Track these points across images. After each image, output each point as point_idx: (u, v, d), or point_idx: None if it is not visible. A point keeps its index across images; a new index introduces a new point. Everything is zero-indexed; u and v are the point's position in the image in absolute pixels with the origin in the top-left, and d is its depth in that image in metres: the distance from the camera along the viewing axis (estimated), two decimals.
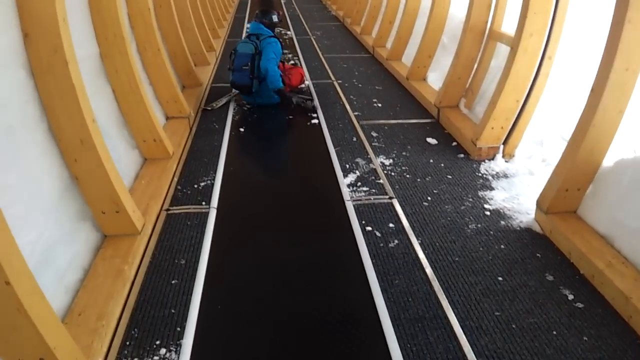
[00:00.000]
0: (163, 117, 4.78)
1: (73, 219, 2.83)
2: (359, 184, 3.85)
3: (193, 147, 4.55)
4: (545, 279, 2.78)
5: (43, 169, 2.71)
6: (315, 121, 5.28)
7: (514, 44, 3.99)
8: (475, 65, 5.07)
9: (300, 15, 12.45)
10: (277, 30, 6.30)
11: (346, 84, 6.54)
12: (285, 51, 8.42)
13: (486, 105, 4.85)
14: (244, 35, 9.95)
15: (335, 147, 4.52)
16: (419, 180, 3.93)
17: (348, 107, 5.63)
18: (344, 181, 3.90)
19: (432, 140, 4.67)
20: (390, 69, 7.15)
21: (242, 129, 5.11)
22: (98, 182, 2.87)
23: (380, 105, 5.72)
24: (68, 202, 2.82)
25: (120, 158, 3.64)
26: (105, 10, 3.63)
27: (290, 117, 5.53)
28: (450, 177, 3.99)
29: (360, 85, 6.52)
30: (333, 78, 6.82)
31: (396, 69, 6.86)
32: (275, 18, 5.76)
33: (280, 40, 5.74)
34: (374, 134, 4.84)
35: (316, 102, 5.76)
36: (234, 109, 5.63)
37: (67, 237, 2.71)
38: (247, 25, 11.39)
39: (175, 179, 3.92)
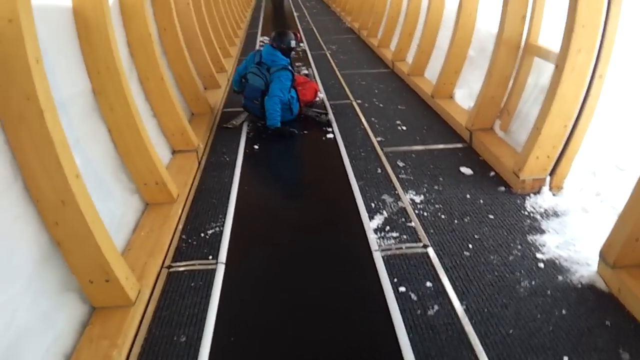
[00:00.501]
0: (169, 151, 4.37)
1: (54, 292, 2.41)
2: (387, 228, 3.37)
3: (201, 186, 4.12)
4: (621, 359, 2.27)
5: (17, 235, 2.30)
6: (330, 135, 5.15)
7: (560, 61, 3.49)
8: (511, 83, 4.57)
9: (314, 29, 12.06)
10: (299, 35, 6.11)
11: (366, 104, 6.08)
12: (299, 64, 8.21)
13: (524, 127, 4.38)
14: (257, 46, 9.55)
15: (358, 182, 4.05)
16: (456, 221, 3.43)
17: (370, 131, 5.17)
18: (370, 225, 3.42)
19: (466, 170, 4.17)
20: (412, 86, 6.67)
21: (256, 147, 4.97)
22: (84, 248, 2.44)
23: (404, 128, 5.24)
24: (48, 272, 2.40)
25: (117, 207, 3.23)
26: (95, 41, 3.23)
27: (305, 132, 5.35)
28: (492, 216, 3.48)
29: (381, 105, 6.05)
30: (352, 97, 6.36)
31: (419, 85, 6.38)
32: (293, 43, 5.36)
33: (293, 70, 5.41)
34: (401, 164, 4.36)
35: (330, 116, 5.64)
36: (249, 126, 5.48)
37: (46, 316, 2.29)
38: (259, 39, 11.04)
39: (180, 226, 3.49)
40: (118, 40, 3.96)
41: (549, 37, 4.27)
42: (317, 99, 6.21)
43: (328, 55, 9.05)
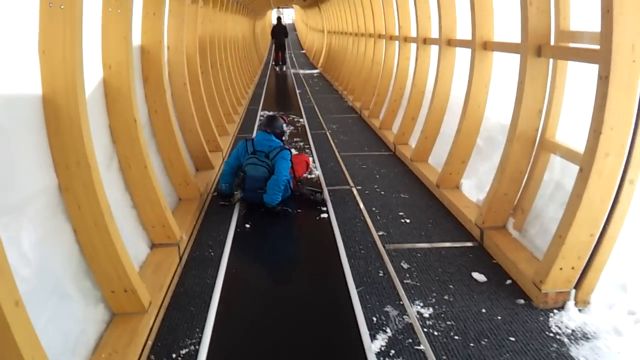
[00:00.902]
0: (147, 246, 3.93)
1: None
2: (392, 352, 2.88)
3: (179, 288, 3.65)
4: None
5: None
6: (324, 215, 5.04)
7: (585, 164, 3.14)
8: (525, 179, 4.21)
9: (315, 106, 11.97)
10: (289, 117, 6.49)
11: (366, 191, 5.72)
12: (297, 139, 8.48)
13: (541, 227, 3.98)
14: (255, 130, 9.32)
15: (357, 287, 3.60)
16: (472, 345, 2.94)
17: (370, 223, 4.76)
18: (371, 347, 2.93)
19: (479, 277, 3.72)
20: (415, 172, 6.34)
21: (248, 225, 4.89)
22: None
23: (408, 221, 4.84)
24: None
25: (76, 322, 2.77)
26: (66, 132, 2.86)
27: (299, 210, 5.25)
28: (513, 339, 2.99)
29: (382, 192, 5.69)
30: (351, 183, 6.02)
31: (423, 172, 6.05)
32: (284, 126, 5.64)
33: (290, 149, 5.56)
34: (405, 265, 3.92)
35: (325, 195, 5.56)
36: (241, 204, 5.36)
37: None
38: (260, 114, 10.92)
39: (150, 343, 2.99)
40: (100, 126, 3.68)
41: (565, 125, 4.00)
42: (313, 175, 6.29)
43: (328, 134, 8.83)
